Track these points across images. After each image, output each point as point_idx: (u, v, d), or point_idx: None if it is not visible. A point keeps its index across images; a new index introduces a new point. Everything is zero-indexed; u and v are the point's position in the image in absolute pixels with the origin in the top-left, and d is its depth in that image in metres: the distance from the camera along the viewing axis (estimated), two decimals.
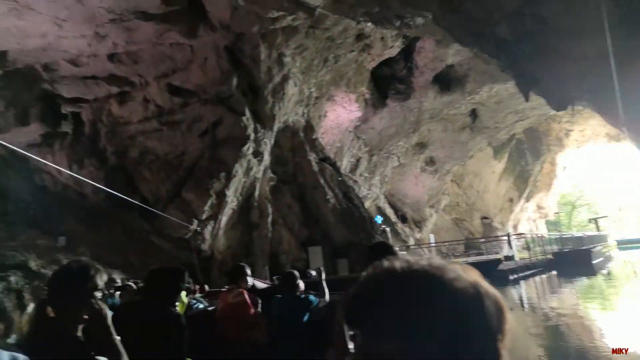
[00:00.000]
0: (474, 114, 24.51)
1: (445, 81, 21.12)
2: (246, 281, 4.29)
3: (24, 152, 7.70)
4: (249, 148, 14.83)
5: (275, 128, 16.07)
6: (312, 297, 4.35)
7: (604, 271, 19.41)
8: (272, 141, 16.14)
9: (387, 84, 20.71)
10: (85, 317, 1.77)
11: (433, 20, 12.24)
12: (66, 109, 14.88)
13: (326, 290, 4.72)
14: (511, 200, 32.23)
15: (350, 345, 0.64)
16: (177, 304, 2.86)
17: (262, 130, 15.31)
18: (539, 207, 36.64)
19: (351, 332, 0.62)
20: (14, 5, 10.21)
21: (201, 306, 5.40)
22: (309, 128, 18.03)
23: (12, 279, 10.95)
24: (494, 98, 22.56)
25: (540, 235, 24.64)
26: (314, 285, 5.67)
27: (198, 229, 14.03)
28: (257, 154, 15.25)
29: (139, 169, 15.33)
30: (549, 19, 9.03)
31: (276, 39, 14.04)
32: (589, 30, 8.24)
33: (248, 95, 15.03)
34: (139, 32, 12.45)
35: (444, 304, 0.56)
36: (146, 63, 13.90)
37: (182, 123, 15.05)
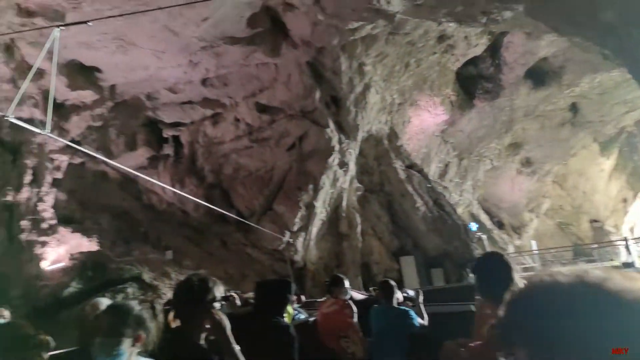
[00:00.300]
0: (574, 108, 22.42)
1: (539, 75, 19.64)
2: (344, 292, 4.25)
3: (138, 173, 8.45)
4: (334, 159, 14.96)
5: (359, 138, 16.04)
6: (412, 312, 4.16)
7: None
8: (357, 151, 16.11)
9: (473, 84, 19.75)
10: (207, 326, 1.87)
11: (524, 12, 11.42)
12: (167, 133, 16.35)
13: (425, 315, 4.37)
14: (625, 200, 28.75)
15: None
16: (284, 314, 2.89)
17: (347, 140, 15.37)
18: None
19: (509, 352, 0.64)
20: (120, 43, 11.47)
21: (302, 317, 5.43)
22: (393, 135, 17.73)
23: (129, 290, 12.13)
24: (597, 89, 20.44)
25: None
26: (409, 300, 5.40)
27: (290, 240, 14.39)
28: (343, 164, 15.32)
29: (234, 185, 16.22)
30: None
31: (356, 49, 14.07)
32: None
33: (331, 107, 15.23)
34: (228, 56, 13.24)
35: (618, 316, 0.56)
36: (235, 84, 14.73)
37: (271, 139, 15.66)
